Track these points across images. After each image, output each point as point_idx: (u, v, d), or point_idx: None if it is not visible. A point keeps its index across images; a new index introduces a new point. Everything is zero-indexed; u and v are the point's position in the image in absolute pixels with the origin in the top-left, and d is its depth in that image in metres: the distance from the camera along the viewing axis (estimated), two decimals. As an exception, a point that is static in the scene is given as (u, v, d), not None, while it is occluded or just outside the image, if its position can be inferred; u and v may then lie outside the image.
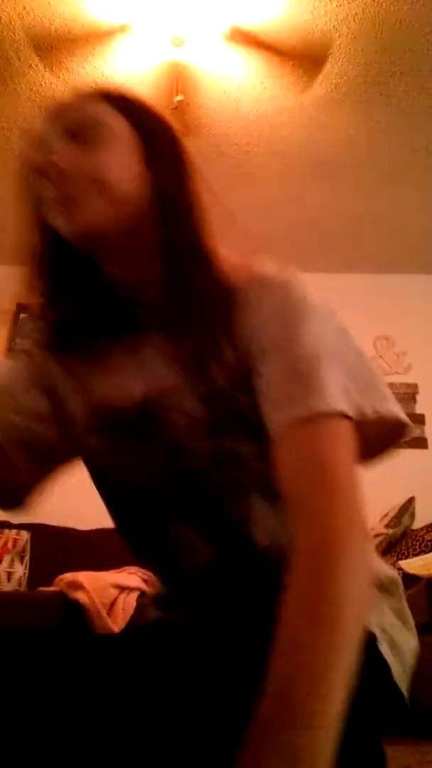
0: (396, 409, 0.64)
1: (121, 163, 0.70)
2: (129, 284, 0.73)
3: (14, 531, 2.92)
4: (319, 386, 0.59)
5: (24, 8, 2.26)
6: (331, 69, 2.48)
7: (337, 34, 2.33)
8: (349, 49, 2.39)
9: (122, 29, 2.32)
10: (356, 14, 2.25)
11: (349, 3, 2.21)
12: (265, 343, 0.64)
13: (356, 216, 3.29)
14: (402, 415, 0.65)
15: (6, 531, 2.92)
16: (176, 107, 2.51)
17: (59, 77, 2.55)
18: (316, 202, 3.15)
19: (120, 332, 0.73)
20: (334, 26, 2.29)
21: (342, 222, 3.26)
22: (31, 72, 2.54)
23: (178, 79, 2.45)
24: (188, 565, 0.71)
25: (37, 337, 0.81)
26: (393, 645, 0.69)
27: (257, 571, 0.68)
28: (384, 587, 0.75)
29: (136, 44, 2.37)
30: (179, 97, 2.48)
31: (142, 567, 0.85)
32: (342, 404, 0.59)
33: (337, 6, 2.22)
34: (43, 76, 2.56)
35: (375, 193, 3.17)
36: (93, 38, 2.37)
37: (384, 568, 0.77)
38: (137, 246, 0.70)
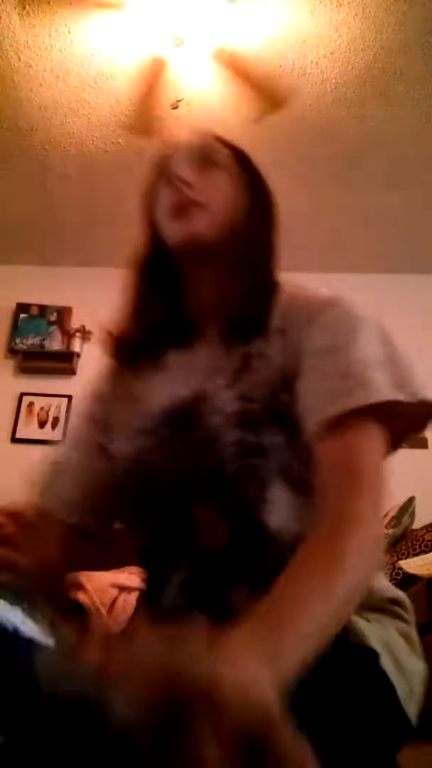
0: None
1: (228, 193, 0.85)
2: (200, 298, 0.87)
3: (14, 531, 2.92)
4: (367, 383, 0.67)
5: (24, 8, 2.26)
6: (331, 69, 2.48)
7: (338, 34, 2.33)
8: (349, 49, 2.39)
9: (117, 6, 2.26)
10: (356, 14, 2.25)
11: (346, 11, 2.21)
12: (319, 351, 0.73)
13: (356, 216, 3.29)
14: None
15: (6, 531, 2.92)
16: (176, 107, 2.51)
17: (59, 77, 2.55)
18: (316, 203, 3.16)
19: (179, 345, 0.86)
20: (319, 58, 2.29)
21: (342, 222, 3.27)
22: (30, 72, 2.54)
23: (163, 77, 2.45)
24: (206, 546, 0.75)
25: (104, 372, 0.97)
26: (398, 665, 0.70)
27: (266, 554, 0.72)
28: (388, 609, 0.77)
29: (138, 46, 2.36)
30: (180, 98, 2.49)
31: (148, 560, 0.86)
32: (389, 395, 0.67)
33: (331, 19, 2.22)
34: (43, 76, 2.55)
35: (375, 193, 3.18)
36: (83, 6, 2.27)
37: (392, 589, 0.79)
38: (222, 262, 0.84)
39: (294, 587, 0.52)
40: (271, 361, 0.77)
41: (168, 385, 0.83)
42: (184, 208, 0.82)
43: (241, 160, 0.90)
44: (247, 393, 0.76)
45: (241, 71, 2.39)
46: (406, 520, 2.70)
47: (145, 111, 2.59)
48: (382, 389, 0.67)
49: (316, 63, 2.46)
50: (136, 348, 0.90)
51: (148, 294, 0.91)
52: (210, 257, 0.84)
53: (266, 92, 2.47)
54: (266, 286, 0.84)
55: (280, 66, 2.48)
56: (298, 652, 0.48)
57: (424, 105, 2.63)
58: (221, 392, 0.77)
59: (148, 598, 0.83)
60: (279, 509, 0.73)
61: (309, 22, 2.29)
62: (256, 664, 0.42)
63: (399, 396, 0.67)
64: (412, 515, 2.75)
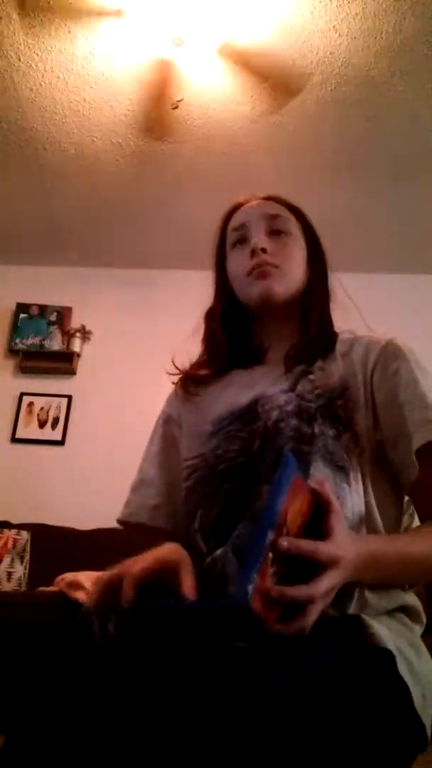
0: None
1: (297, 257, 1.03)
2: (266, 335, 1.05)
3: (14, 531, 2.92)
4: None
5: (24, 8, 2.26)
6: (331, 69, 2.48)
7: (337, 34, 2.33)
8: (349, 49, 2.39)
9: (116, 13, 2.27)
10: (356, 14, 2.25)
11: (336, 44, 2.21)
12: (398, 386, 0.89)
13: (356, 216, 3.29)
14: None
15: (6, 531, 2.92)
16: (176, 107, 2.51)
17: (59, 77, 2.55)
18: (316, 202, 3.14)
19: (242, 367, 1.04)
20: (320, 58, 2.30)
21: (342, 222, 3.26)
22: (30, 72, 2.54)
23: (169, 78, 2.45)
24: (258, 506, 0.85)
25: (175, 391, 1.10)
26: (412, 670, 0.71)
27: None
28: (396, 617, 0.81)
29: (133, 38, 2.36)
30: (180, 98, 2.49)
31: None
32: None
33: (331, 19, 2.22)
34: (42, 76, 2.55)
35: (375, 193, 3.18)
36: (83, 12, 2.29)
37: (403, 597, 0.84)
38: (289, 311, 1.01)
39: (405, 541, 0.83)
40: (330, 375, 0.93)
41: (231, 396, 0.98)
42: (263, 271, 0.99)
43: (301, 222, 1.06)
44: (303, 394, 0.91)
45: (250, 64, 2.39)
46: (406, 520, 2.70)
47: (158, 114, 2.60)
48: None
49: (317, 63, 2.45)
50: (206, 374, 1.06)
51: (220, 334, 1.06)
52: (279, 310, 1.01)
53: (280, 81, 2.46)
54: (327, 333, 1.00)
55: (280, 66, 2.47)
56: (374, 575, 0.76)
57: (425, 105, 2.63)
58: (279, 394, 0.93)
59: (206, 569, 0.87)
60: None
61: (309, 23, 2.29)
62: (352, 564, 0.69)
63: None
64: (412, 516, 2.74)
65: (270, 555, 0.62)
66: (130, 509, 1.03)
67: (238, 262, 1.02)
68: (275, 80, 2.47)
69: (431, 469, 0.84)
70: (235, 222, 1.05)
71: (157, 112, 2.62)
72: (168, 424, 1.08)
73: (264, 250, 0.98)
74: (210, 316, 1.09)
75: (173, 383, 1.11)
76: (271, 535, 0.62)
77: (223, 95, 2.61)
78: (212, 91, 2.58)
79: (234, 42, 2.33)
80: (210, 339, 1.08)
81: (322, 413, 0.88)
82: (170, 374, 1.10)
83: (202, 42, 2.30)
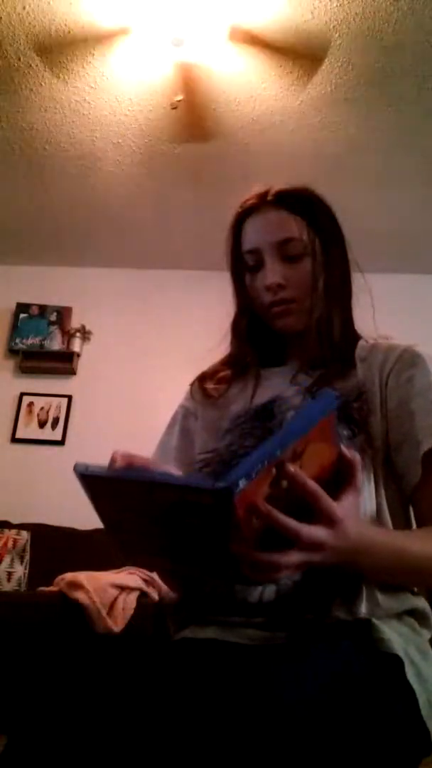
0: None
1: (315, 279, 0.99)
2: (287, 338, 1.04)
3: (14, 531, 2.92)
4: None
5: (24, 9, 2.26)
6: (331, 69, 2.48)
7: (337, 34, 2.33)
8: (349, 49, 2.39)
9: (123, 32, 2.32)
10: (356, 14, 2.25)
11: (349, 3, 2.21)
12: (412, 393, 0.89)
13: (356, 216, 3.29)
14: None
15: (6, 531, 2.92)
16: (176, 107, 2.51)
17: (59, 78, 2.55)
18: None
19: (266, 366, 1.04)
20: (333, 26, 2.29)
21: (341, 221, 3.26)
22: (31, 73, 2.54)
23: (177, 79, 2.45)
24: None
25: (191, 395, 1.11)
26: (419, 675, 0.71)
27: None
28: (404, 620, 0.81)
29: (138, 46, 2.36)
30: (179, 97, 2.49)
31: None
32: None
33: (337, 5, 2.22)
34: (43, 77, 2.56)
35: (375, 192, 3.18)
36: (93, 40, 2.36)
37: (411, 600, 0.83)
38: (309, 319, 0.99)
39: (404, 538, 0.79)
40: (347, 379, 0.94)
41: (249, 396, 1.00)
42: (282, 310, 0.99)
43: (314, 227, 1.01)
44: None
45: (266, 43, 2.35)
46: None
47: (196, 117, 2.60)
48: None
49: (307, 78, 2.45)
50: (226, 374, 1.07)
51: (246, 345, 1.07)
52: (298, 331, 1.00)
53: (300, 53, 2.39)
54: (344, 341, 0.99)
55: (280, 66, 2.47)
56: (369, 562, 0.73)
57: (425, 105, 2.63)
58: (296, 396, 0.94)
59: None
60: None
61: (309, 23, 2.29)
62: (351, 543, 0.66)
63: None
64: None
65: (273, 472, 0.57)
66: None
67: (255, 290, 1.02)
68: (296, 52, 2.40)
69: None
70: (248, 242, 1.01)
71: (204, 112, 2.62)
72: (187, 418, 1.09)
73: (281, 286, 0.98)
74: (236, 329, 1.09)
75: (190, 384, 1.12)
76: (280, 453, 0.57)
77: (231, 88, 2.61)
78: (213, 90, 2.58)
79: (242, 25, 2.29)
80: (237, 350, 1.08)
81: (337, 415, 0.88)
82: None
83: (209, 34, 2.28)
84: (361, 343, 1.01)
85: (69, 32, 2.35)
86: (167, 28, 2.23)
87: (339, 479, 0.66)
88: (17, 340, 3.73)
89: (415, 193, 3.17)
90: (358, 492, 0.65)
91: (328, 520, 0.61)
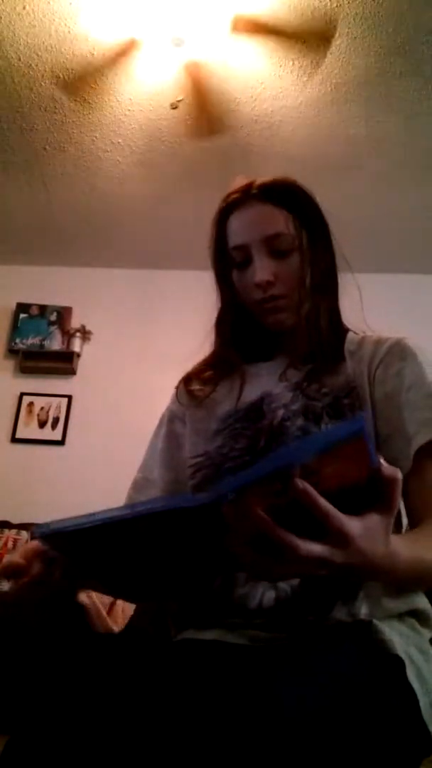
0: None
1: (303, 273, 0.96)
2: (275, 333, 1.01)
3: (14, 531, 2.92)
4: None
5: (24, 9, 2.26)
6: (331, 69, 2.48)
7: (338, 33, 2.33)
8: (350, 49, 2.39)
9: (123, 31, 2.32)
10: (356, 14, 2.25)
11: (349, 3, 2.21)
12: (401, 387, 0.87)
13: (356, 216, 3.29)
14: None
15: (6, 531, 2.92)
16: (176, 107, 2.51)
17: (60, 77, 2.55)
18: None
19: (253, 362, 1.02)
20: (337, 4, 2.28)
21: (341, 222, 3.26)
22: (31, 73, 2.54)
23: (182, 79, 2.45)
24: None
25: (176, 395, 1.09)
26: (420, 676, 0.71)
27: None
28: (415, 625, 0.81)
29: (138, 46, 2.37)
30: (179, 98, 2.49)
31: None
32: None
33: (336, 5, 2.22)
34: (43, 77, 2.55)
35: (375, 192, 3.18)
36: (93, 40, 2.37)
37: (412, 601, 0.83)
38: (297, 322, 0.97)
39: (422, 546, 0.72)
40: (337, 373, 0.92)
41: (237, 394, 0.98)
42: (273, 307, 0.96)
43: (301, 219, 0.98)
44: (310, 392, 0.91)
45: (271, 29, 2.31)
46: (406, 519, 2.70)
47: (203, 112, 2.60)
48: None
49: (317, 63, 2.45)
50: (212, 373, 1.04)
51: (232, 343, 1.04)
52: (288, 327, 0.98)
53: (310, 34, 2.34)
54: (332, 334, 0.97)
55: (280, 66, 2.47)
56: (385, 579, 0.73)
57: (425, 105, 2.63)
58: (285, 393, 0.93)
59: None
60: None
61: (309, 23, 2.29)
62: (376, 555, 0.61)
63: None
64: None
65: (278, 487, 0.55)
66: None
67: (244, 286, 0.99)
68: (304, 34, 2.34)
69: (424, 470, 0.83)
70: (234, 238, 0.98)
71: (214, 108, 2.62)
72: (173, 421, 1.07)
73: (271, 282, 0.95)
74: (221, 326, 1.06)
75: (175, 387, 1.10)
76: (288, 465, 0.55)
77: (231, 88, 2.61)
78: (213, 90, 2.58)
79: (245, 14, 2.26)
80: (222, 348, 1.06)
81: (328, 412, 0.88)
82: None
83: (212, 29, 2.27)
84: (350, 335, 1.00)
85: (69, 32, 2.35)
86: (168, 28, 2.23)
87: (372, 497, 0.61)
88: (17, 340, 3.73)
89: (415, 193, 3.17)
90: (390, 510, 0.60)
91: (337, 538, 0.57)
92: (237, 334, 1.04)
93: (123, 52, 2.41)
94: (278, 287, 0.96)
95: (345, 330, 1.01)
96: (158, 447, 1.05)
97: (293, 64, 2.45)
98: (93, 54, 2.44)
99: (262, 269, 0.95)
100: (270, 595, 0.77)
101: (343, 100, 2.63)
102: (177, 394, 1.09)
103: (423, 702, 0.70)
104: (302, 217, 0.99)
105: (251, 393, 0.97)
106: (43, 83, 2.59)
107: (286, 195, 1.00)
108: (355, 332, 1.01)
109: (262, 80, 2.54)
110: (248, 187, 1.00)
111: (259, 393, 0.95)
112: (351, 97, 2.61)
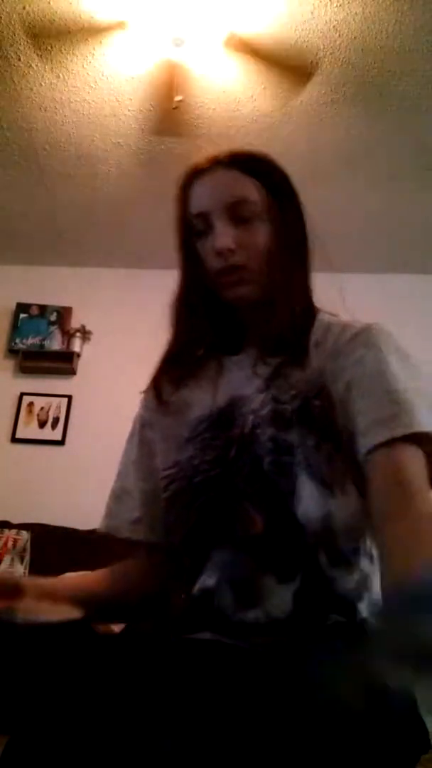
0: None
1: (266, 238, 0.90)
2: (241, 320, 0.95)
3: (14, 531, 2.92)
4: (410, 411, 0.76)
5: (24, 8, 2.26)
6: (331, 69, 2.48)
7: (338, 34, 2.33)
8: (349, 50, 2.39)
9: (120, 26, 2.30)
10: (356, 14, 2.25)
11: (349, 3, 2.21)
12: (361, 376, 0.81)
13: (356, 215, 3.29)
14: None
15: (6, 531, 2.92)
16: (176, 107, 2.51)
17: (59, 77, 2.55)
18: (316, 202, 3.14)
19: (219, 356, 0.94)
20: (333, 26, 2.29)
21: (341, 222, 3.26)
22: (30, 72, 2.54)
23: (174, 79, 2.45)
24: (245, 532, 0.81)
25: (145, 400, 1.04)
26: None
27: (295, 541, 0.79)
28: None
29: (134, 42, 2.36)
30: (179, 98, 2.49)
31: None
32: (429, 426, 0.76)
33: (337, 6, 2.22)
34: (42, 75, 2.55)
35: (375, 193, 3.17)
36: (91, 35, 2.35)
37: None
38: (263, 299, 0.90)
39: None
40: (305, 370, 0.85)
41: (207, 396, 0.91)
42: (233, 279, 0.89)
43: (269, 187, 0.92)
44: (279, 396, 0.84)
45: (258, 53, 2.37)
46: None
47: (165, 112, 2.60)
48: (425, 422, 0.76)
49: (317, 63, 2.45)
50: (178, 367, 0.97)
51: (191, 320, 0.96)
52: (256, 297, 0.91)
53: (288, 68, 2.43)
54: (304, 314, 0.91)
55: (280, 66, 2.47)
56: None
57: (424, 105, 2.63)
58: (255, 396, 0.86)
59: (187, 579, 0.86)
60: (306, 502, 0.80)
61: (309, 23, 2.29)
62: None
63: None
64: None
65: None
66: (112, 521, 0.99)
67: (205, 255, 0.91)
68: (284, 66, 2.43)
69: (379, 473, 0.76)
70: (195, 204, 0.91)
71: (163, 111, 2.62)
72: (144, 428, 1.02)
73: (232, 250, 0.88)
74: (185, 306, 0.97)
75: (144, 392, 1.06)
76: None
77: (230, 88, 2.61)
78: (211, 90, 2.58)
79: (239, 33, 2.31)
80: (186, 338, 0.97)
81: (299, 417, 0.82)
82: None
83: (206, 37, 2.29)
84: (318, 318, 0.92)
85: (69, 31, 2.35)
86: (165, 26, 2.23)
87: None
88: (17, 340, 3.73)
89: (415, 193, 3.17)
90: None
91: None
92: (201, 319, 0.95)
93: (124, 51, 2.41)
94: (240, 256, 0.88)
95: (315, 311, 0.94)
96: (132, 456, 1.02)
97: (278, 83, 2.45)
98: (93, 54, 2.44)
99: (222, 235, 0.88)
100: (264, 616, 0.77)
101: (342, 100, 2.63)
102: (145, 399, 1.04)
103: (420, 698, 0.70)
104: (271, 185, 0.92)
105: (220, 395, 0.90)
106: (42, 83, 2.59)
107: (254, 162, 0.94)
108: (328, 313, 0.94)
109: (259, 83, 2.53)
110: (217, 155, 0.93)
111: (228, 396, 0.89)
112: (351, 97, 2.61)
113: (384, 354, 0.82)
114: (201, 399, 0.92)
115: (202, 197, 0.91)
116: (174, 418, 0.95)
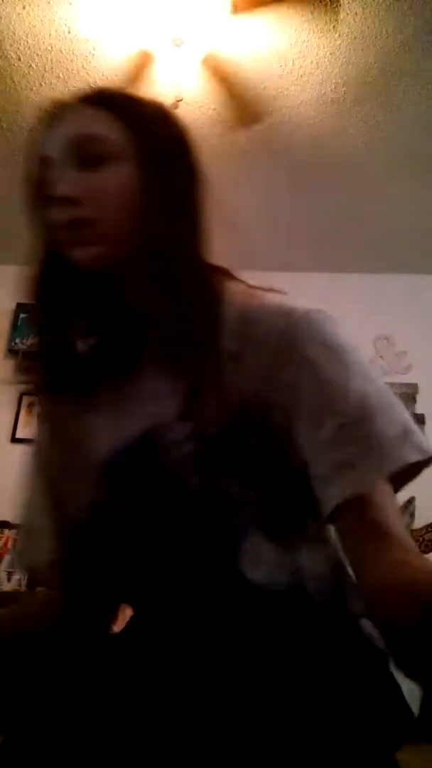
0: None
1: (125, 192, 0.70)
2: (137, 311, 0.73)
3: (14, 531, 2.91)
4: (378, 447, 0.60)
5: (24, 9, 2.26)
6: (331, 69, 2.48)
7: (337, 34, 2.33)
8: (349, 50, 2.39)
9: (123, 30, 2.32)
10: (356, 14, 2.25)
11: (349, 3, 2.21)
12: (300, 401, 0.63)
13: (356, 215, 3.29)
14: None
15: (6, 531, 2.92)
16: (177, 107, 2.51)
17: (59, 77, 2.55)
18: (316, 202, 3.15)
19: (118, 366, 0.73)
20: (320, 58, 2.29)
21: (342, 221, 3.26)
22: (31, 73, 2.54)
23: (145, 75, 2.45)
24: (182, 600, 0.69)
25: (39, 420, 0.83)
26: None
27: (248, 607, 0.65)
28: None
29: (138, 46, 2.37)
30: (179, 98, 2.49)
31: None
32: (405, 458, 0.61)
33: (323, 40, 2.22)
34: (43, 77, 2.55)
35: (375, 193, 3.17)
36: (93, 40, 2.37)
37: None
38: (139, 272, 0.70)
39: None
40: (226, 392, 0.66)
41: (112, 421, 0.72)
42: (73, 230, 0.69)
43: (138, 125, 0.71)
44: (201, 430, 0.64)
45: (226, 79, 2.42)
46: (406, 519, 2.70)
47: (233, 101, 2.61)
48: (396, 454, 0.61)
49: (317, 63, 2.45)
50: (61, 382, 0.76)
51: (53, 313, 0.76)
52: (123, 271, 0.71)
53: (244, 105, 2.52)
54: (197, 293, 0.69)
55: (280, 66, 2.47)
56: None
57: (425, 105, 2.63)
58: (173, 425, 0.66)
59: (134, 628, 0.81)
60: (258, 561, 0.65)
61: (309, 22, 2.29)
62: None
63: (413, 457, 0.61)
64: (412, 515, 2.75)
65: None
66: (26, 561, 0.88)
67: (47, 213, 0.74)
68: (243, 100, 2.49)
69: (353, 529, 0.61)
70: (39, 150, 0.76)
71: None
72: (41, 455, 0.87)
73: (71, 201, 0.68)
74: (40, 294, 0.78)
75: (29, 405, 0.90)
76: None
77: (232, 87, 2.62)
78: (212, 90, 2.58)
79: (219, 53, 2.34)
80: (50, 330, 0.77)
81: (232, 461, 0.64)
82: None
83: (192, 48, 2.31)
84: (228, 303, 0.70)
85: (69, 31, 2.35)
86: (168, 28, 2.23)
87: None
88: (17, 340, 3.73)
89: (415, 193, 3.17)
90: None
91: None
92: (67, 307, 0.76)
93: (124, 52, 2.41)
94: (86, 208, 0.68)
95: (218, 284, 0.72)
96: (34, 488, 0.88)
97: (310, 19, 2.44)
98: (93, 54, 2.44)
99: (62, 181, 0.69)
100: None
101: (343, 100, 2.63)
102: (38, 423, 0.86)
103: (405, 688, 0.70)
104: (136, 122, 0.71)
105: (131, 420, 0.69)
106: (42, 83, 2.59)
107: (117, 98, 0.75)
108: (238, 280, 0.73)
109: (233, 95, 2.53)
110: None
111: (141, 423, 0.67)
112: (351, 97, 2.60)
113: (323, 361, 0.63)
114: (106, 426, 0.73)
115: (46, 140, 0.74)
116: (76, 451, 0.76)
